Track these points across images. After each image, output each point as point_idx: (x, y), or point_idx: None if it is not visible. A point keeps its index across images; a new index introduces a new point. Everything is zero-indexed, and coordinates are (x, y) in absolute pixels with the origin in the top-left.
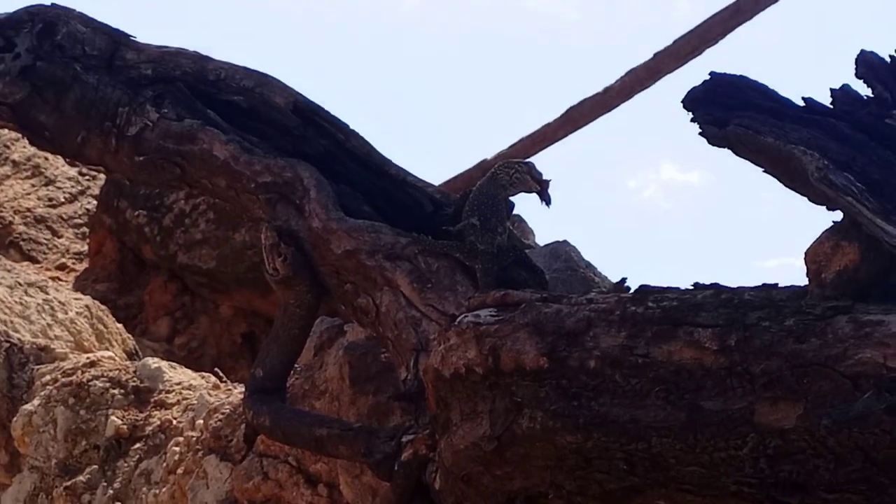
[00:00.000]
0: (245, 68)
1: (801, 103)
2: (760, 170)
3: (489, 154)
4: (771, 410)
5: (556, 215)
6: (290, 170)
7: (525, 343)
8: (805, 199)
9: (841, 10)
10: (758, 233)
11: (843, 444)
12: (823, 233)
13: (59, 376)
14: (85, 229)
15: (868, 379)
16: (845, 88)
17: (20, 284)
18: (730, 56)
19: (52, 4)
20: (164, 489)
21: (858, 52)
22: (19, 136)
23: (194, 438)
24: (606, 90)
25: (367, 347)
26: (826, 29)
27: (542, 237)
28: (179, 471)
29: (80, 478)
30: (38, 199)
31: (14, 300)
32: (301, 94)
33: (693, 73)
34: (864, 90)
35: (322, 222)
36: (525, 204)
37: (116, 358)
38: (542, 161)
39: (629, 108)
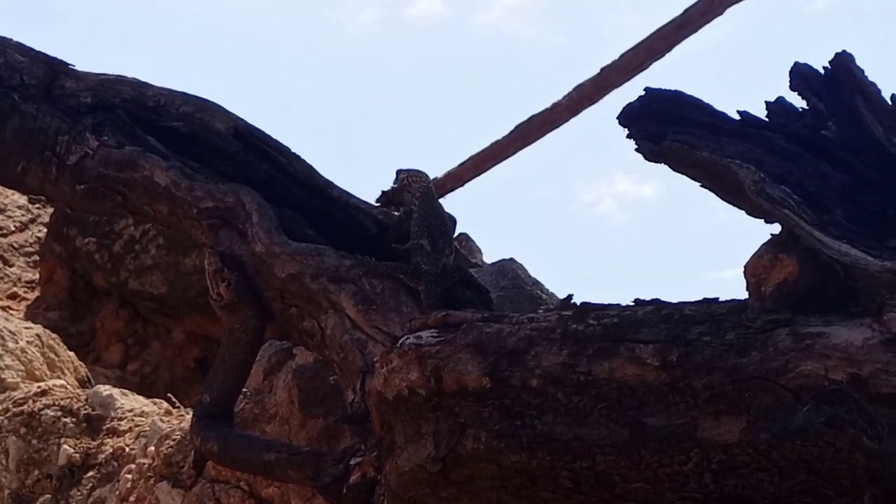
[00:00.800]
0: (184, 94)
1: (737, 117)
2: (697, 184)
3: (439, 172)
4: (714, 425)
5: (507, 231)
6: (232, 195)
7: (467, 363)
8: (743, 212)
9: (792, 21)
10: (713, 243)
11: (786, 457)
12: (762, 246)
13: (11, 406)
14: (36, 258)
15: (809, 391)
16: (780, 101)
17: None
18: (677, 69)
19: None
20: None
21: (792, 64)
22: None
23: (146, 465)
24: (554, 106)
25: (316, 370)
26: (780, 42)
27: (493, 254)
28: (132, 498)
29: None
30: None
31: None
32: (241, 119)
33: (641, 87)
34: (799, 102)
35: (265, 246)
36: (474, 221)
37: (68, 386)
38: (499, 177)
39: (582, 122)
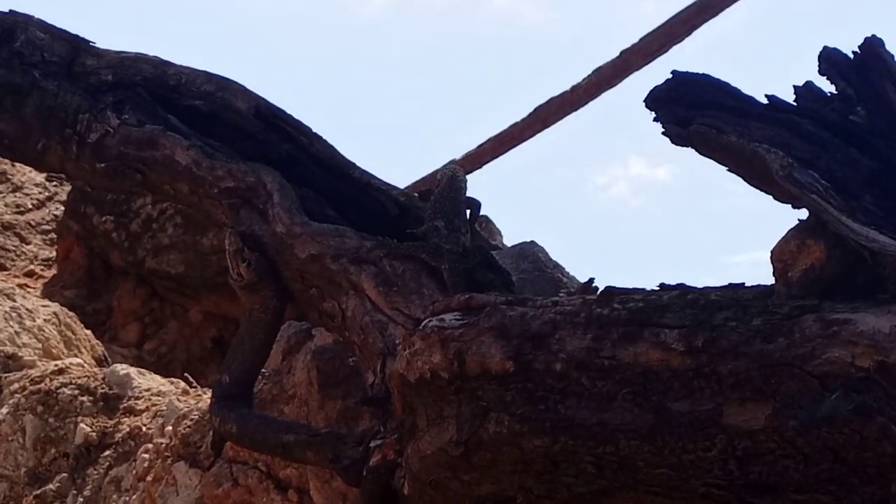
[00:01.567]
0: (206, 73)
1: (765, 101)
2: (725, 169)
3: (457, 154)
4: (739, 411)
5: (524, 213)
6: (253, 174)
7: (490, 347)
8: (770, 197)
9: (805, 5)
10: (727, 228)
11: (812, 445)
12: (789, 231)
13: (28, 384)
14: (53, 235)
15: (836, 378)
16: (809, 86)
17: None
18: (697, 53)
19: (10, 11)
20: (134, 496)
21: (821, 48)
22: None
23: (163, 445)
24: (573, 89)
25: (336, 352)
26: (790, 25)
27: (510, 237)
28: (149, 478)
29: (50, 486)
30: (6, 205)
31: None
32: (263, 98)
33: (660, 70)
34: (827, 87)
35: (286, 227)
36: (492, 203)
37: (85, 365)
38: (511, 160)
39: (597, 105)
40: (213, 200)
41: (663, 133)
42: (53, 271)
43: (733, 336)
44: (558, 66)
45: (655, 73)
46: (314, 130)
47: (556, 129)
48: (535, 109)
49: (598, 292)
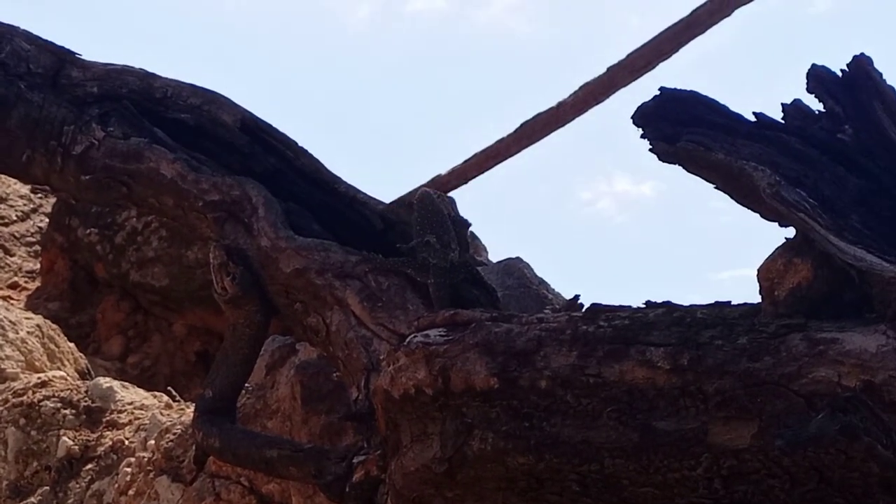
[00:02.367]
0: (192, 86)
1: (753, 119)
2: (712, 186)
3: (442, 170)
4: (725, 430)
5: (508, 229)
6: (238, 188)
7: (475, 363)
8: (757, 215)
9: (793, 23)
10: (711, 244)
11: (798, 464)
12: (776, 250)
13: (10, 397)
14: (37, 247)
15: (822, 398)
16: (797, 103)
17: None
18: (684, 69)
19: None
20: None
21: (810, 66)
22: None
23: (146, 459)
24: (560, 105)
25: (320, 366)
26: (777, 42)
27: (495, 252)
28: (131, 492)
29: (32, 499)
30: None
31: None
32: (249, 112)
33: (647, 87)
34: (816, 105)
35: (271, 241)
36: (477, 219)
37: (68, 378)
38: (495, 175)
39: (582, 120)
40: (198, 214)
41: (650, 150)
42: (37, 283)
43: (719, 354)
44: (545, 78)
45: (642, 89)
46: (300, 144)
47: (540, 144)
48: (521, 125)
49: (584, 309)
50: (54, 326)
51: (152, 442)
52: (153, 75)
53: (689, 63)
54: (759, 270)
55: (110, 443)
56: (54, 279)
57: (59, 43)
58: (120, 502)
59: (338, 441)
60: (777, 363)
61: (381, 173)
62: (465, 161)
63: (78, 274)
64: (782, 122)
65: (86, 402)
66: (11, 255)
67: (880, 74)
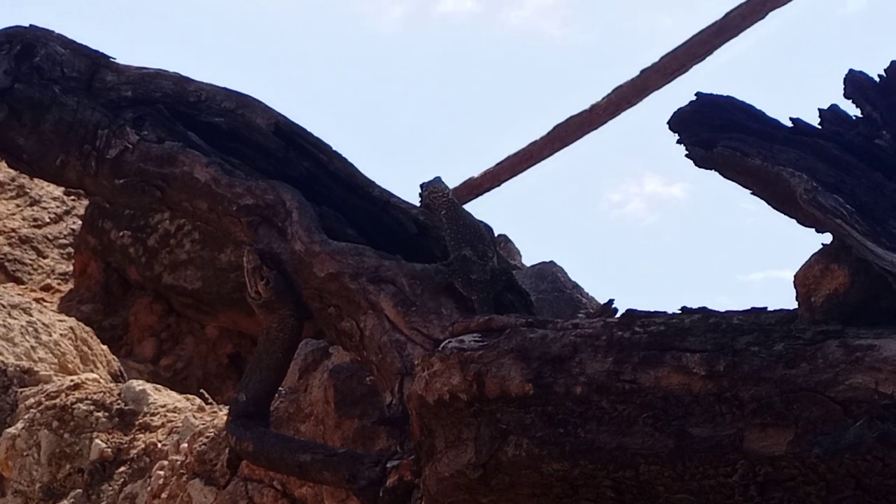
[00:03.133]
0: (226, 90)
1: (789, 124)
2: (748, 192)
3: (475, 172)
4: (760, 437)
5: (538, 230)
6: (272, 192)
7: (510, 369)
8: (794, 221)
9: (828, 27)
10: (742, 246)
11: (834, 472)
12: (813, 255)
13: (43, 399)
14: (70, 249)
15: (859, 405)
16: (834, 109)
17: (3, 307)
18: (717, 73)
19: (31, 26)
20: None
21: (847, 71)
22: None
23: (179, 462)
24: (593, 108)
25: (353, 370)
26: (811, 47)
27: (527, 254)
28: (164, 495)
29: (65, 502)
30: (23, 219)
31: None
32: (283, 116)
33: (679, 90)
34: (852, 110)
35: (305, 245)
36: (510, 222)
37: (101, 380)
38: (524, 177)
39: (612, 122)
40: (232, 218)
41: (687, 155)
42: (70, 286)
43: (755, 361)
44: (578, 81)
45: (674, 92)
46: (334, 148)
47: (571, 146)
48: (554, 128)
49: (619, 315)
50: (87, 329)
51: (185, 445)
52: (187, 79)
53: (721, 66)
54: (795, 276)
55: (143, 445)
56: (87, 281)
57: (92, 47)
58: None
59: (371, 445)
60: (814, 370)
61: (413, 176)
62: (498, 163)
63: (111, 276)
64: (819, 127)
65: (118, 404)
66: (44, 258)
67: None
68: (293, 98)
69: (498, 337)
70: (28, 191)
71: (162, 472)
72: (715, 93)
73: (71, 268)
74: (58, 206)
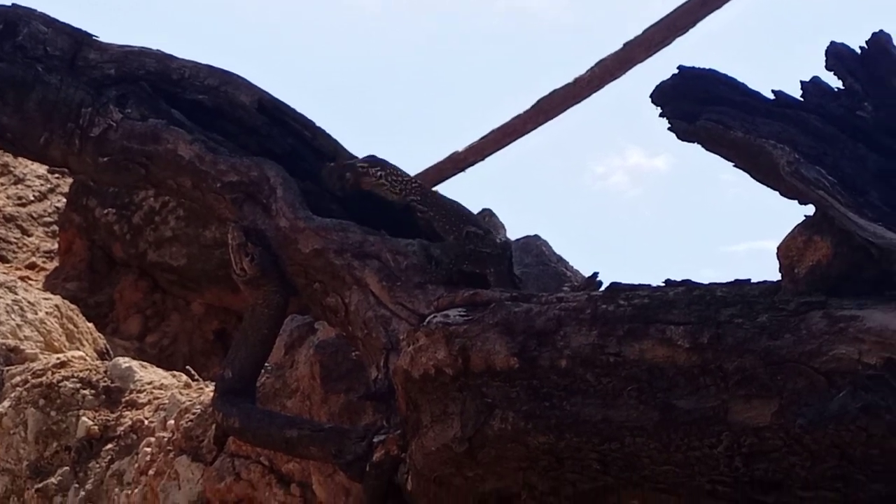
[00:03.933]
0: (209, 67)
1: (772, 96)
2: (730, 164)
3: (459, 146)
4: (745, 408)
5: (521, 203)
6: (256, 169)
7: (495, 343)
8: (776, 192)
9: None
10: (725, 217)
11: (818, 442)
12: (795, 227)
13: (30, 377)
14: (55, 227)
15: (843, 375)
16: (815, 81)
17: None
18: (700, 45)
19: (13, 5)
20: (136, 490)
21: (828, 43)
22: None
23: (166, 439)
24: (576, 81)
25: (338, 346)
26: (793, 18)
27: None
28: (151, 472)
29: (52, 479)
30: (8, 197)
31: None
32: (266, 92)
33: (663, 63)
34: (834, 82)
35: (289, 221)
36: (493, 195)
37: (87, 358)
38: (509, 151)
39: (594, 94)
40: (217, 195)
41: (669, 128)
42: (55, 263)
43: (739, 333)
44: (564, 56)
45: (658, 65)
46: (317, 124)
47: (554, 119)
48: (538, 101)
49: (604, 288)
50: (73, 307)
51: (172, 422)
52: (170, 57)
53: (704, 38)
54: (778, 248)
55: (130, 423)
56: (72, 259)
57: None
58: (140, 482)
59: (357, 420)
60: (797, 341)
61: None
62: (482, 138)
63: (96, 254)
64: (801, 99)
65: (105, 382)
66: (29, 236)
67: None
68: (278, 78)
69: (483, 311)
70: (12, 169)
71: (149, 449)
72: (697, 66)
73: (56, 246)
74: (42, 184)
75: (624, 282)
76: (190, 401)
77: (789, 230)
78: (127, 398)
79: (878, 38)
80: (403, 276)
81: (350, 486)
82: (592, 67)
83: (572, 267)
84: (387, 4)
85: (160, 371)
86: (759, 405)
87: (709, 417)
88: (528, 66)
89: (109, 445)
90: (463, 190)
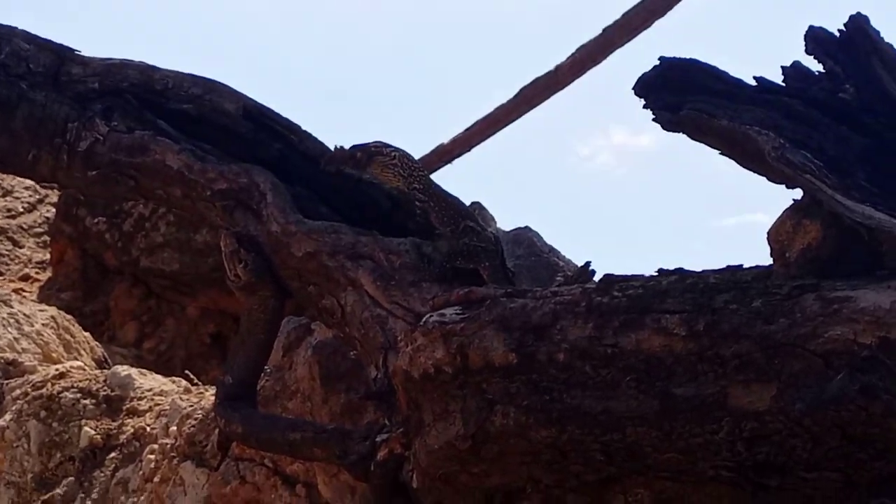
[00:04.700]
0: (192, 76)
1: (754, 83)
2: (717, 152)
3: (445, 139)
4: (744, 393)
5: (508, 189)
6: (245, 175)
7: (492, 340)
8: (764, 178)
9: None
10: (712, 192)
11: (819, 424)
12: (784, 211)
13: (30, 390)
14: (46, 238)
15: (839, 356)
16: (796, 65)
17: None
18: (680, 27)
19: None
20: (141, 497)
21: (807, 28)
22: None
23: (169, 445)
24: (557, 68)
25: (336, 346)
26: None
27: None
28: (156, 479)
29: (58, 490)
30: None
31: None
32: (250, 99)
33: (643, 46)
34: (815, 66)
35: (281, 226)
36: (481, 187)
37: (86, 367)
38: (494, 139)
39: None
40: (207, 203)
41: (654, 119)
42: (48, 274)
43: (734, 318)
44: (546, 43)
45: (638, 48)
46: (303, 127)
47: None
48: (520, 91)
49: (598, 280)
50: (68, 317)
51: (174, 428)
52: (153, 67)
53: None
54: (768, 233)
55: (132, 430)
56: (65, 269)
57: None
58: (146, 489)
59: (359, 419)
60: (792, 324)
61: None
62: (467, 129)
63: (88, 263)
64: (783, 84)
65: (105, 391)
66: (21, 247)
67: (878, 32)
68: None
69: (479, 309)
70: (0, 181)
71: (153, 456)
72: (678, 56)
73: (48, 256)
74: (31, 196)
75: (617, 273)
76: (191, 406)
77: (778, 214)
78: (128, 406)
79: (856, 20)
80: (397, 276)
81: (355, 484)
82: (573, 54)
83: (564, 256)
84: None
85: (159, 377)
86: (757, 390)
87: (709, 404)
88: (509, 52)
89: (113, 454)
90: (450, 181)
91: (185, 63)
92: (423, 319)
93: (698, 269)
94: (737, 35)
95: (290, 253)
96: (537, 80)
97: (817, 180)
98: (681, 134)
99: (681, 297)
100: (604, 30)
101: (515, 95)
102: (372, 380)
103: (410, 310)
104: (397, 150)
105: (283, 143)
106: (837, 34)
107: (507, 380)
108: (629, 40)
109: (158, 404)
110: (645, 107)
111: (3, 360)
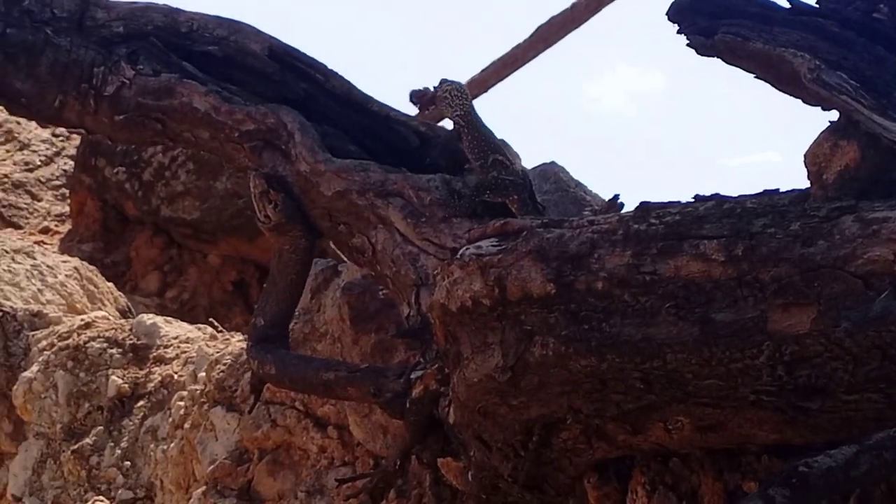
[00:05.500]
0: (217, 17)
1: (787, 5)
2: (752, 76)
3: (462, 79)
4: (784, 317)
5: (521, 131)
6: (273, 115)
7: (530, 270)
8: (799, 101)
9: None
10: (723, 131)
11: (860, 345)
12: (821, 133)
13: (56, 341)
14: (64, 190)
15: (880, 277)
16: None
17: (6, 252)
18: None
19: None
20: (172, 444)
21: None
22: None
23: (198, 392)
24: (574, 5)
25: (365, 286)
26: None
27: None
28: (186, 425)
29: (87, 440)
30: (14, 164)
31: (2, 268)
32: (276, 39)
33: None
34: None
35: (310, 165)
36: (501, 126)
37: (111, 317)
38: (505, 81)
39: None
40: (235, 144)
41: (688, 44)
42: (68, 226)
43: (773, 242)
44: None
45: None
46: (328, 66)
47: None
48: (536, 29)
49: (634, 208)
50: (91, 267)
51: (203, 374)
52: (177, 10)
53: None
54: (805, 155)
55: (160, 378)
56: (85, 221)
57: None
58: (176, 436)
59: (389, 359)
60: (831, 246)
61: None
62: (483, 70)
63: (108, 213)
64: (817, 6)
65: (131, 339)
66: (39, 200)
67: None
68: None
69: (515, 240)
70: (17, 135)
71: (182, 403)
72: None
73: (67, 209)
74: (47, 148)
75: (655, 201)
76: (218, 352)
77: (814, 137)
78: (154, 354)
79: None
80: (427, 212)
81: (387, 424)
82: None
83: (590, 191)
84: None
85: (185, 325)
86: (797, 313)
87: (748, 329)
88: None
89: (141, 402)
90: None
91: (207, 5)
92: (460, 252)
93: None
94: None
95: (319, 192)
96: (553, 18)
97: (854, 101)
98: (714, 58)
99: (718, 223)
100: None
101: (531, 35)
102: (404, 318)
103: (442, 246)
104: (452, 83)
105: (310, 83)
106: None
107: (546, 310)
108: None
109: (185, 352)
110: (679, 32)
111: (28, 312)
